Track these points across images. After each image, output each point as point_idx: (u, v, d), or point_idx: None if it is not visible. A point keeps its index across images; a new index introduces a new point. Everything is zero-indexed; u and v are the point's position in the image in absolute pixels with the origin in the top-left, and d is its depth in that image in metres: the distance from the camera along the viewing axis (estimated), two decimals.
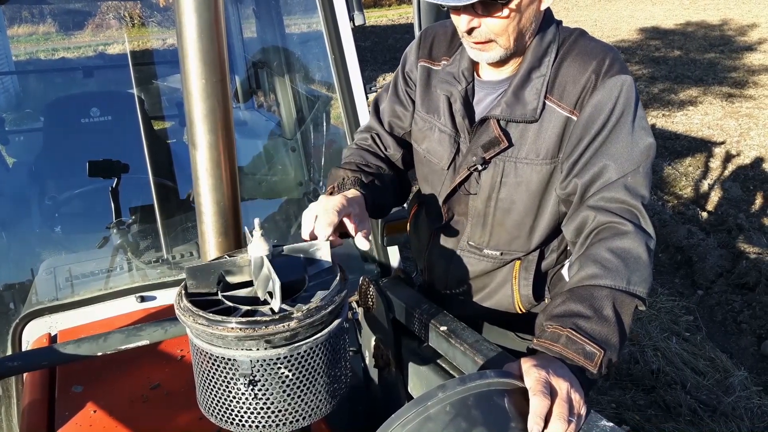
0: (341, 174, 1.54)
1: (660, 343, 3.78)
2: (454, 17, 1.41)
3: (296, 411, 0.98)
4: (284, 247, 1.12)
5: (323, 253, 1.12)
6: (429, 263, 1.74)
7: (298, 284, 1.04)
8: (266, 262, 1.01)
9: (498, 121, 1.46)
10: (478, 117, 1.52)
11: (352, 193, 1.44)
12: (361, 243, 1.33)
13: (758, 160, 6.92)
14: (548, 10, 1.45)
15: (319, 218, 1.27)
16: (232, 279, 1.07)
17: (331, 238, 1.24)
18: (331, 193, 1.45)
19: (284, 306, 0.98)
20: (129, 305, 2.10)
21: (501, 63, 1.48)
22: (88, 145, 2.88)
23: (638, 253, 1.28)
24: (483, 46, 1.40)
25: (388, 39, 16.81)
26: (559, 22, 1.49)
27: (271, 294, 1.00)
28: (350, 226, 1.32)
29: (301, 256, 1.10)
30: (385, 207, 1.65)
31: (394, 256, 2.51)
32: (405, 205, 1.84)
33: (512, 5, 1.32)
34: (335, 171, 1.57)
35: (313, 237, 1.26)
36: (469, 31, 1.37)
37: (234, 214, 1.26)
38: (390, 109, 1.71)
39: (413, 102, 1.67)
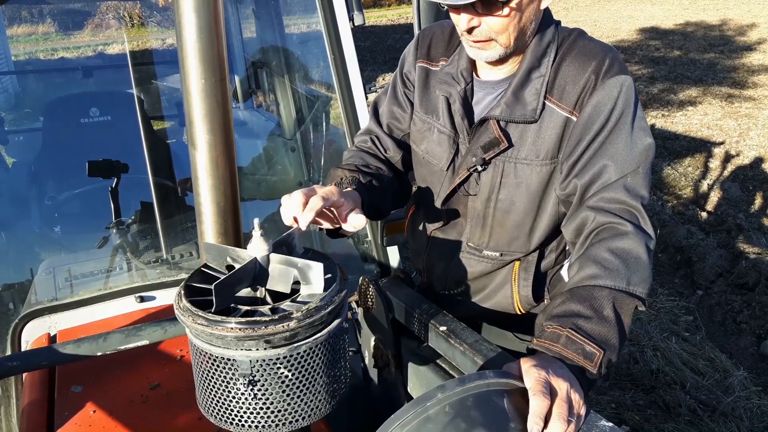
0: (339, 174, 1.53)
1: (660, 343, 3.78)
2: (453, 16, 1.39)
3: (296, 411, 0.98)
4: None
5: (296, 240, 1.12)
6: (428, 264, 1.74)
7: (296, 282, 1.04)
8: (280, 257, 1.01)
9: (498, 121, 1.45)
10: (477, 117, 1.52)
11: (349, 192, 1.43)
12: (355, 220, 1.27)
13: (757, 160, 6.92)
14: (547, 10, 1.45)
15: (301, 201, 1.20)
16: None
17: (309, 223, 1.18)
18: None
19: (283, 306, 0.98)
20: (128, 305, 2.10)
21: (500, 62, 1.47)
22: (88, 145, 2.89)
23: (638, 253, 1.28)
24: (483, 44, 1.39)
25: (387, 39, 16.81)
26: (558, 22, 1.48)
27: (293, 289, 1.01)
28: (340, 216, 1.28)
29: (284, 248, 1.10)
30: (384, 208, 1.64)
31: (393, 256, 2.51)
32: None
33: (512, 4, 1.31)
34: (333, 171, 1.56)
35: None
36: (469, 30, 1.37)
37: (234, 214, 1.26)
38: (389, 111, 1.70)
39: (412, 104, 1.67)
